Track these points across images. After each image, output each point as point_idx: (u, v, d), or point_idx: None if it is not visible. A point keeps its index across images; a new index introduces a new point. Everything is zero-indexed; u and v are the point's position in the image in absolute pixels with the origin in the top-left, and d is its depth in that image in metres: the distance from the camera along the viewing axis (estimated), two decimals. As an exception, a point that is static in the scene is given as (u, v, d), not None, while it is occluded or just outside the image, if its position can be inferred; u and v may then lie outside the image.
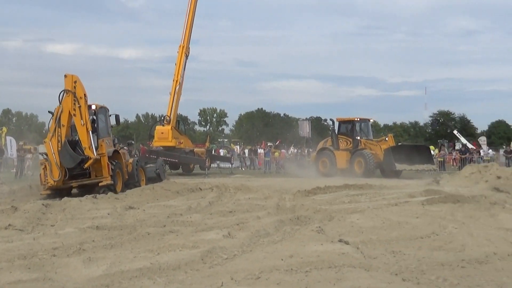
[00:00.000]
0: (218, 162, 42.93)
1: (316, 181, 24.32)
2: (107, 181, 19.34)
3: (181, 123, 42.21)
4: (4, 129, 68.75)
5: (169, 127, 36.81)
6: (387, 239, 9.88)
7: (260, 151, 51.83)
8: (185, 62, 37.98)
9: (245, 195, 18.39)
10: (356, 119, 35.05)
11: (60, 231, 11.26)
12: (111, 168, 19.72)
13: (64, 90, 18.75)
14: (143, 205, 16.00)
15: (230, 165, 41.94)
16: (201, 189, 20.27)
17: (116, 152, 21.07)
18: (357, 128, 34.85)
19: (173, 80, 37.76)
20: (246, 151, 55.28)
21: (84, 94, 18.86)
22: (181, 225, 12.08)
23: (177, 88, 37.38)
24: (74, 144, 19.33)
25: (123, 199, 17.49)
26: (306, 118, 74.79)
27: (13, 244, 9.87)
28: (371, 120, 36.80)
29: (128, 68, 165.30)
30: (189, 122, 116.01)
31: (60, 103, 18.80)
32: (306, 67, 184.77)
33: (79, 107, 18.68)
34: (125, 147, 25.37)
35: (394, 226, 11.17)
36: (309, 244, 9.31)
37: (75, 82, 18.77)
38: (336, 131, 35.31)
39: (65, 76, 18.82)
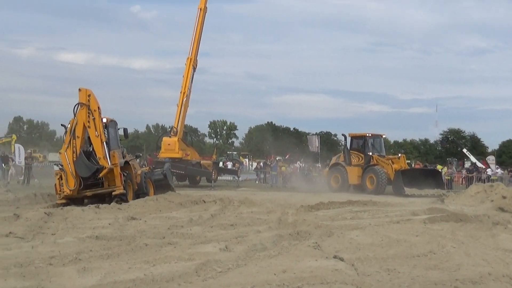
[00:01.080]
0: (235, 175, 42.81)
1: (321, 197, 24.32)
2: (120, 190, 19.73)
3: (188, 135, 42.39)
4: (14, 136, 69.38)
5: (176, 138, 36.89)
6: (383, 256, 9.91)
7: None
8: (193, 74, 38.13)
9: (248, 209, 18.41)
10: (368, 134, 34.92)
11: (59, 240, 11.35)
12: (123, 178, 20.17)
13: (78, 103, 19.38)
14: (145, 216, 16.06)
15: (237, 178, 41.98)
16: (204, 202, 20.29)
17: (126, 163, 21.52)
18: (369, 143, 34.63)
19: (181, 92, 37.87)
20: (254, 164, 55.24)
21: (98, 107, 19.54)
22: (180, 237, 12.14)
23: (184, 100, 37.50)
24: (88, 154, 19.92)
25: (126, 209, 17.57)
26: (315, 133, 74.74)
27: (11, 252, 9.97)
28: (383, 136, 36.70)
29: (139, 78, 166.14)
30: (198, 134, 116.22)
31: (75, 115, 19.41)
32: (316, 81, 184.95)
33: (93, 119, 19.35)
34: (135, 158, 25.77)
35: (392, 243, 11.19)
36: (304, 259, 9.34)
37: (89, 95, 19.44)
38: (349, 147, 35.19)
39: (80, 90, 19.43)
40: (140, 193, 21.75)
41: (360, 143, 34.87)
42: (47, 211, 15.27)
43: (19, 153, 43.67)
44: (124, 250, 10.41)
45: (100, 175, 19.64)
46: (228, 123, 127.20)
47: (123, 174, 20.33)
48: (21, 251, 10.11)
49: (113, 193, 19.75)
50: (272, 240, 11.52)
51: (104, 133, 19.87)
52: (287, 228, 13.72)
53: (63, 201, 19.36)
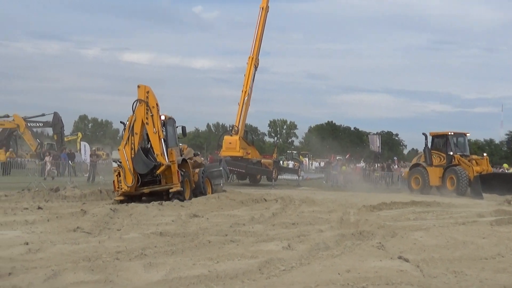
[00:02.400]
0: (295, 175, 42.70)
1: (383, 197, 24.03)
2: (177, 187, 19.66)
3: (249, 134, 42.53)
4: (79, 134, 71.22)
5: (237, 137, 37.10)
6: (449, 258, 9.70)
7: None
8: (254, 73, 38.26)
9: (310, 208, 18.40)
10: (450, 133, 32.89)
11: (125, 236, 11.60)
12: (180, 176, 20.13)
13: (137, 100, 19.47)
14: (207, 214, 16.24)
15: (298, 177, 41.89)
16: (265, 200, 20.39)
17: (184, 161, 21.55)
18: (452, 143, 32.72)
19: (242, 91, 38.06)
20: (315, 163, 54.96)
21: (156, 104, 19.56)
22: (242, 235, 12.23)
23: (245, 99, 37.66)
24: (146, 151, 20.02)
25: (188, 207, 17.80)
26: (376, 133, 73.80)
27: (79, 246, 10.25)
28: (467, 135, 34.21)
29: (200, 78, 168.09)
30: (258, 133, 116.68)
31: (133, 112, 19.48)
32: (377, 80, 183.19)
33: (152, 116, 19.39)
34: (199, 154, 26.20)
35: (458, 245, 10.96)
36: (368, 259, 9.26)
37: (148, 92, 19.50)
38: (430, 146, 33.64)
39: (138, 86, 19.54)
40: (198, 192, 21.84)
41: (442, 142, 32.80)
42: (113, 207, 15.62)
43: (85, 151, 44.79)
44: (188, 247, 10.55)
45: (158, 172, 19.64)
46: (288, 122, 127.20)
47: (181, 172, 20.33)
48: (88, 245, 10.38)
49: (170, 190, 19.73)
50: (335, 239, 11.47)
51: (162, 130, 20.04)
52: (349, 228, 13.64)
53: (121, 198, 19.46)
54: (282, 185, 37.89)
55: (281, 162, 50.71)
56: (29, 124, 49.66)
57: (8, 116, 49.18)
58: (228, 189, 25.94)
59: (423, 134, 34.03)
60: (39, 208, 16.38)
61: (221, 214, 16.29)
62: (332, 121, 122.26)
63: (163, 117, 20.44)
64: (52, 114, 50.02)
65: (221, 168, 27.06)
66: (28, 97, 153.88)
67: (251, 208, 18.38)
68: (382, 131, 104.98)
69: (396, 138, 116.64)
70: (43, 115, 50.79)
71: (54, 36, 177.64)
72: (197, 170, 22.77)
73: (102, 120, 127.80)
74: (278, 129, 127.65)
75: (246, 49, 39.00)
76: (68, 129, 67.87)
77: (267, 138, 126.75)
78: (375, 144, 53.50)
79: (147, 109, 19.38)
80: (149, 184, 20.10)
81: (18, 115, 48.99)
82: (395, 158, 60.94)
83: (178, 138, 22.75)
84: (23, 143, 52.96)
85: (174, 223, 14.04)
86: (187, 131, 24.30)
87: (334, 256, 9.77)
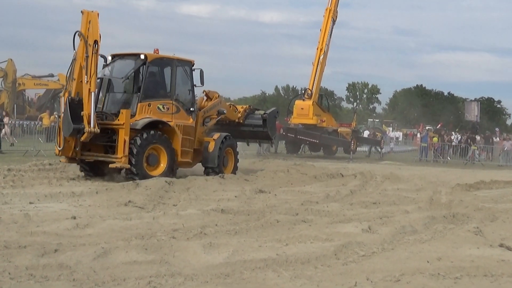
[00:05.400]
0: (377, 146, 42.26)
1: (481, 174, 23.60)
2: (121, 163, 16.66)
3: (324, 99, 42.29)
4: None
5: (310, 102, 36.97)
6: (561, 247, 9.46)
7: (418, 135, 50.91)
8: (332, 28, 37.93)
9: (394, 185, 18.29)
10: None
11: (182, 212, 11.81)
12: (134, 147, 16.76)
13: (76, 32, 16.88)
14: (275, 189, 16.35)
15: (380, 150, 41.52)
16: (342, 176, 20.36)
17: (153, 125, 17.57)
18: None
19: (317, 49, 37.83)
20: (399, 133, 54.30)
21: (95, 41, 16.81)
22: (315, 214, 12.28)
23: (321, 57, 37.43)
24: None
25: (254, 181, 17.96)
26: (474, 99, 72.32)
27: (132, 222, 10.50)
28: None
29: (269, 33, 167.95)
30: (334, 97, 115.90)
31: (74, 48, 16.94)
32: (477, 37, 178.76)
33: (86, 57, 16.66)
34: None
35: None
36: (463, 246, 9.14)
37: (90, 22, 16.86)
38: None
39: (82, 12, 16.95)
40: (210, 168, 19.05)
41: None
42: (168, 179, 15.85)
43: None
44: (253, 226, 10.67)
45: (82, 138, 16.68)
46: (370, 86, 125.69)
47: (138, 142, 16.81)
48: (141, 221, 10.62)
49: (110, 165, 17.05)
50: (423, 222, 11.39)
51: (146, 77, 17.73)
52: (440, 209, 13.52)
53: (65, 160, 17.88)
54: (362, 158, 37.68)
55: (360, 131, 50.37)
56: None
57: (52, 76, 49.98)
58: (300, 162, 25.96)
59: None
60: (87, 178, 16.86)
61: (290, 190, 16.37)
62: (421, 85, 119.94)
63: (143, 56, 17.99)
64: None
65: (265, 119, 22.42)
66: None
67: (326, 184, 18.39)
68: (482, 97, 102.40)
69: (499, 105, 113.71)
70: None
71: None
72: (215, 136, 19.40)
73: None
74: (357, 93, 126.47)
75: (323, 0, 38.66)
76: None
77: (344, 104, 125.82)
78: (472, 112, 52.47)
79: (85, 47, 16.68)
80: (98, 151, 17.68)
81: (64, 74, 49.95)
82: (497, 129, 59.63)
83: (195, 86, 19.29)
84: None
85: (237, 199, 14.20)
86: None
87: (422, 242, 9.71)
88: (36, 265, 7.41)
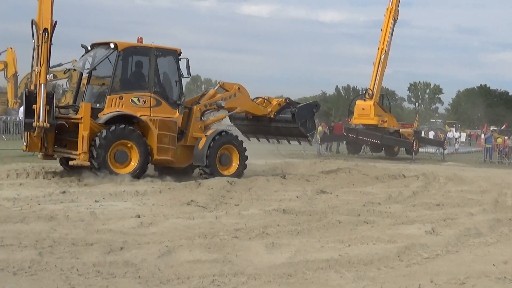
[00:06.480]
0: (440, 147, 41.72)
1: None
2: (81, 160, 15.71)
3: (386, 99, 41.91)
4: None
5: (371, 102, 36.71)
6: None
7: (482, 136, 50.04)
8: (393, 27, 37.57)
9: (457, 187, 18.05)
10: None
11: (243, 212, 11.91)
12: (96, 144, 15.74)
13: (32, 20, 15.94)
14: (336, 190, 16.32)
15: (443, 151, 40.99)
16: (404, 177, 20.16)
17: (118, 119, 16.34)
18: None
19: (378, 48, 37.56)
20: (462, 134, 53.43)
21: (45, 28, 15.67)
22: (377, 215, 12.23)
23: (382, 57, 37.13)
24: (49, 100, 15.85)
25: (315, 182, 17.94)
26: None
27: (194, 222, 10.65)
28: None
29: (329, 33, 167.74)
30: (396, 97, 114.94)
31: (32, 38, 16.02)
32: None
33: (37, 46, 15.80)
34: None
35: None
36: (530, 250, 8.99)
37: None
38: None
39: None
40: (198, 166, 17.59)
41: None
42: (230, 179, 15.97)
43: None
44: (315, 227, 10.68)
45: (34, 134, 15.83)
46: (432, 86, 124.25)
47: (100, 138, 15.76)
48: (204, 221, 10.76)
49: (70, 162, 16.31)
50: (489, 225, 11.25)
51: (116, 68, 16.66)
52: (506, 212, 13.35)
53: (40, 157, 17.38)
54: (424, 159, 37.25)
55: (423, 132, 49.79)
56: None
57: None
58: (361, 162, 25.82)
59: None
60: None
61: (352, 191, 16.32)
62: (485, 85, 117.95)
63: (113, 45, 16.91)
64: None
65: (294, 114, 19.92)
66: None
67: (388, 185, 18.26)
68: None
69: None
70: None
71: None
72: (209, 131, 17.87)
73: (216, 81, 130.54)
74: (419, 93, 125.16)
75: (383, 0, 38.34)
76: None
77: (406, 104, 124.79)
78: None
79: (37, 34, 15.77)
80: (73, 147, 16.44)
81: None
82: None
83: (183, 77, 18.00)
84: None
85: (298, 199, 14.23)
86: None
87: (487, 244, 9.61)
88: (102, 262, 7.59)
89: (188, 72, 17.70)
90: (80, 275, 7.05)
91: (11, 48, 44.81)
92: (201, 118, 18.08)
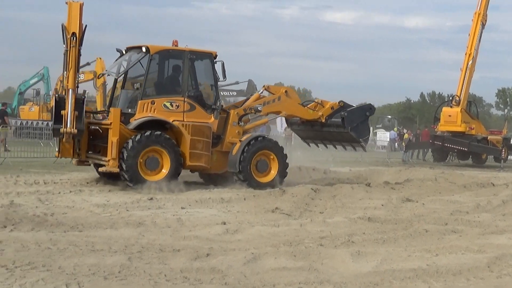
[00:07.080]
0: None
1: None
2: (110, 167, 15.49)
3: (473, 105, 41.07)
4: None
5: (458, 109, 36.06)
6: None
7: None
8: (481, 32, 36.79)
9: (550, 196, 17.42)
10: None
11: (328, 219, 11.89)
12: (125, 150, 15.44)
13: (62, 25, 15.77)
14: (422, 198, 16.06)
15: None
16: (493, 185, 19.66)
17: (151, 124, 16.03)
18: None
19: (465, 54, 36.86)
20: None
21: (73, 33, 15.50)
22: (466, 224, 11.98)
23: (469, 63, 36.43)
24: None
25: (400, 189, 17.70)
26: None
27: (279, 229, 10.71)
28: None
29: (414, 39, 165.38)
30: (483, 104, 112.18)
31: (63, 43, 15.82)
32: None
33: (66, 51, 15.66)
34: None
35: None
36: None
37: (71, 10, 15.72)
38: None
39: (66, 3, 15.72)
40: (232, 172, 16.94)
41: None
42: (314, 187, 15.95)
43: (281, 123, 46.11)
44: (401, 235, 10.56)
45: (64, 140, 15.68)
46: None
47: (130, 145, 15.42)
48: (289, 228, 10.81)
49: (99, 168, 16.29)
50: None
51: (148, 72, 16.38)
52: None
53: (75, 163, 17.42)
54: (514, 167, 36.24)
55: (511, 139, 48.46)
56: (221, 93, 51.42)
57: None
58: (448, 170, 25.32)
59: None
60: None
61: (439, 200, 16.02)
62: None
63: (144, 49, 16.63)
64: (246, 82, 51.73)
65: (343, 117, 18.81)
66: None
67: (476, 193, 17.84)
68: None
69: None
70: (236, 83, 52.33)
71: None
72: (245, 137, 17.20)
73: (299, 88, 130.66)
74: (508, 99, 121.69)
75: (471, 4, 37.68)
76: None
77: (494, 111, 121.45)
78: None
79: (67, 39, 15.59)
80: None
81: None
82: None
83: (219, 80, 17.55)
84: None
85: (384, 207, 14.08)
86: None
87: None
88: (189, 268, 7.71)
89: (224, 76, 17.21)
90: (168, 281, 7.18)
91: (100, 58, 45.54)
92: (238, 123, 17.51)
